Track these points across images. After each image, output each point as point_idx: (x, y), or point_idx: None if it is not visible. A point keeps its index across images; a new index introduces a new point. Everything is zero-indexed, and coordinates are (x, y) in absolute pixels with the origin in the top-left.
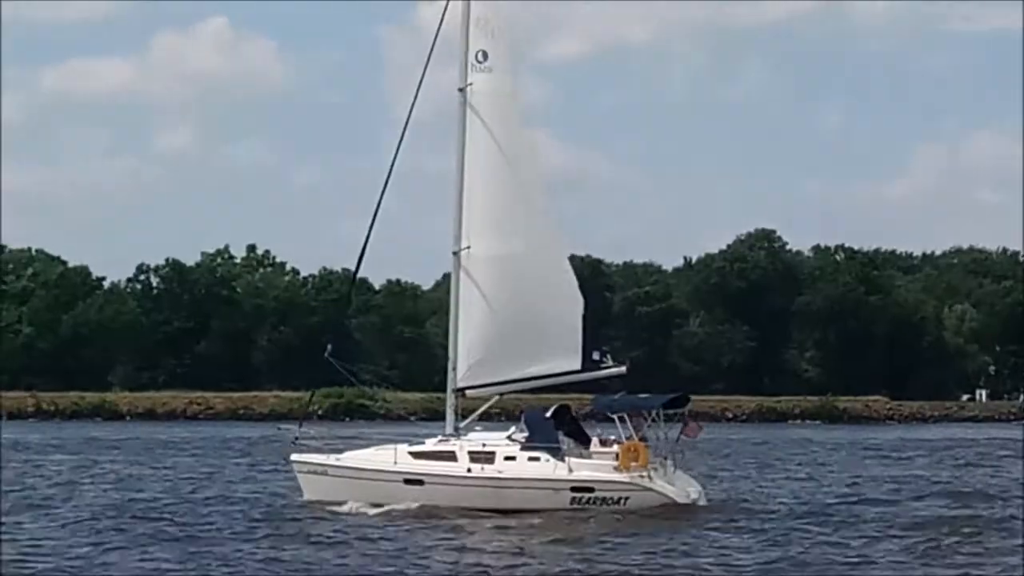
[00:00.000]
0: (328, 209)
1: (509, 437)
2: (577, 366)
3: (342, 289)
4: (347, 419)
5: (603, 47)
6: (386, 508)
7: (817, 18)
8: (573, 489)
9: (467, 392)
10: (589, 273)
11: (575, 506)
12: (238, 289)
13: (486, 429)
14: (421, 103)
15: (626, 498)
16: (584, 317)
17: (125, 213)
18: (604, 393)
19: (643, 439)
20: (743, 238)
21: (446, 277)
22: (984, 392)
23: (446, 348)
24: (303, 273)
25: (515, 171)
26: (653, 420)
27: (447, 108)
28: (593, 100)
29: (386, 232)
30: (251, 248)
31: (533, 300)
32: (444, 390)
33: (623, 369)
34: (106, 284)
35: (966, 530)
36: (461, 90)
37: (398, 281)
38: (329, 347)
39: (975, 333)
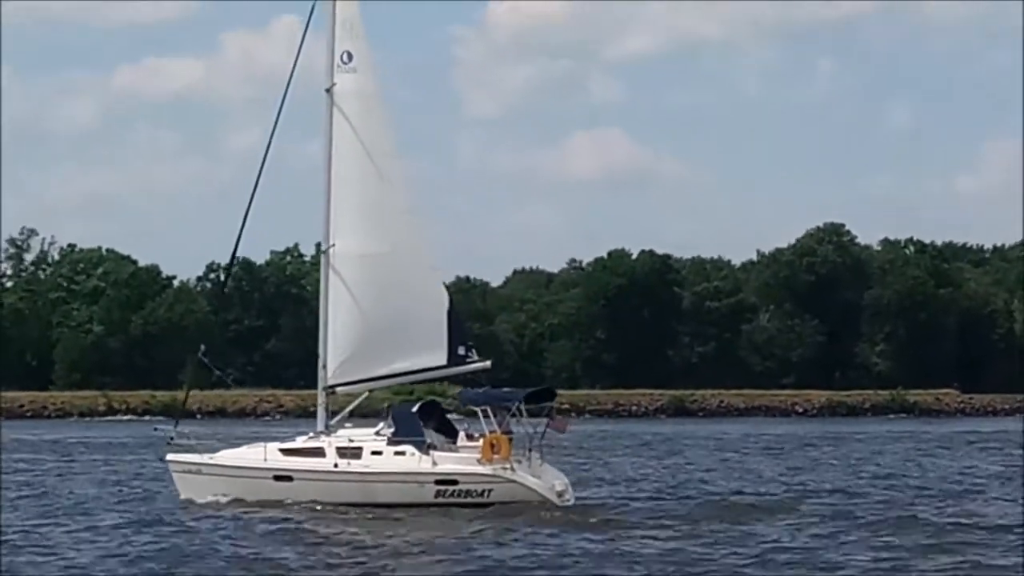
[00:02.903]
0: None
1: (377, 432)
2: (443, 361)
3: None
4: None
5: (674, 45)
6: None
7: (887, 14)
8: (437, 482)
9: (337, 389)
10: (658, 268)
11: (440, 499)
12: (307, 287)
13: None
14: None
15: (489, 490)
16: (450, 313)
17: (195, 212)
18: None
19: (507, 432)
20: (812, 232)
21: (515, 273)
22: None
23: (516, 344)
24: None
25: (380, 170)
26: (515, 414)
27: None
28: (664, 97)
29: (456, 230)
30: (321, 247)
31: (399, 298)
32: (513, 386)
33: (487, 364)
34: (176, 283)
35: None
36: (328, 90)
37: (468, 278)
38: (203, 347)
39: None
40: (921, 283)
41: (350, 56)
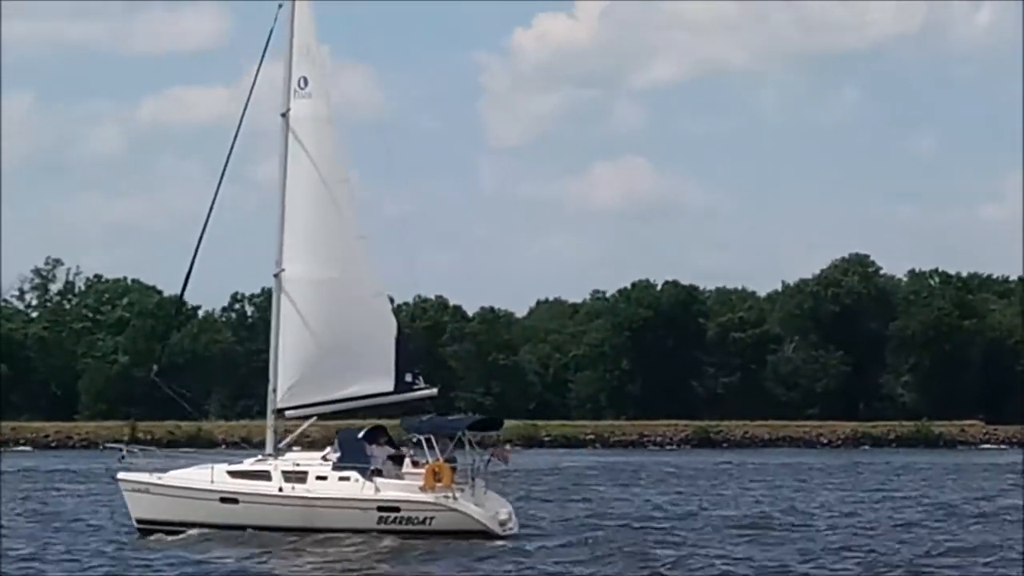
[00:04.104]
0: (420, 236)
1: (324, 457)
2: (390, 387)
3: (436, 316)
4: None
5: (698, 72)
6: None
7: (912, 42)
8: (379, 508)
9: (286, 413)
10: (682, 299)
11: (382, 525)
12: None
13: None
14: None
15: (431, 518)
16: (398, 340)
17: (220, 242)
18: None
19: (449, 460)
20: (837, 263)
21: (539, 304)
22: None
23: (540, 375)
24: (397, 301)
25: (332, 196)
26: (459, 442)
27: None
28: (688, 126)
29: (478, 260)
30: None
31: (348, 324)
32: (537, 417)
33: (434, 391)
34: (200, 313)
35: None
36: (283, 115)
37: (492, 308)
38: (155, 368)
39: None
40: (946, 314)
41: (306, 81)
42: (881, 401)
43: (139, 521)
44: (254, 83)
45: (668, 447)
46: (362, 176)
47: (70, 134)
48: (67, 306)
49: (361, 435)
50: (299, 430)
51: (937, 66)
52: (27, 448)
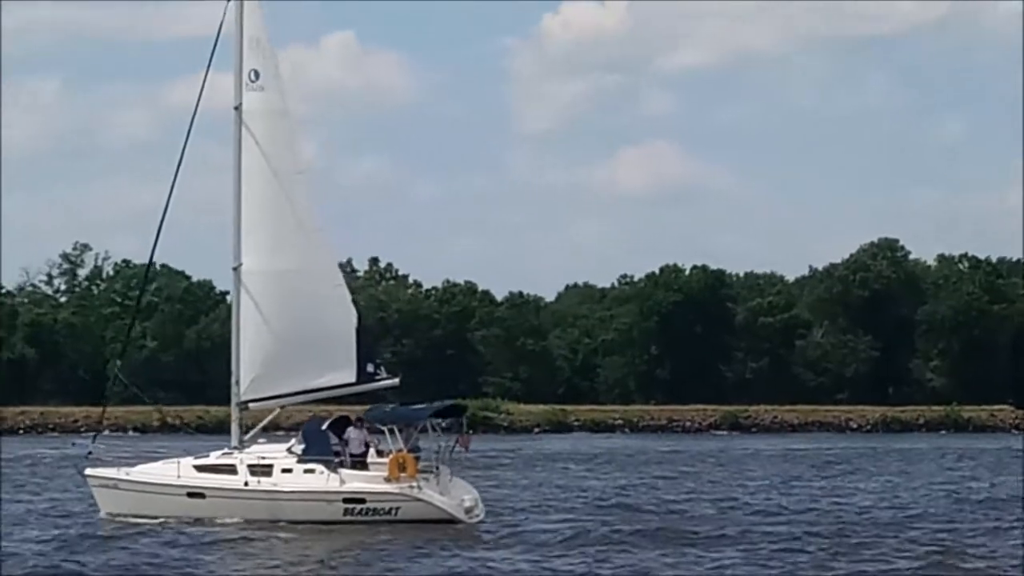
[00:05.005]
0: (449, 221)
1: (289, 449)
2: (352, 378)
3: (465, 301)
4: (471, 431)
5: (726, 58)
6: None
7: (938, 28)
8: (345, 500)
9: (250, 405)
10: (711, 284)
11: (348, 517)
12: (360, 302)
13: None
14: None
15: (396, 508)
16: (359, 331)
17: None
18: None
19: (413, 450)
20: (866, 248)
21: (567, 289)
22: None
23: (569, 360)
24: (425, 286)
25: (287, 188)
26: (424, 429)
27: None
28: (715, 111)
29: (506, 245)
30: (374, 261)
31: (308, 315)
32: (567, 402)
33: (396, 381)
34: (229, 298)
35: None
36: (236, 108)
37: (521, 293)
38: (118, 363)
39: None
40: (975, 299)
41: (257, 74)
42: (910, 386)
43: (108, 515)
44: (206, 76)
45: (697, 432)
46: (391, 162)
47: (97, 119)
48: (95, 291)
49: (325, 426)
50: (264, 421)
51: (965, 51)
52: (55, 434)
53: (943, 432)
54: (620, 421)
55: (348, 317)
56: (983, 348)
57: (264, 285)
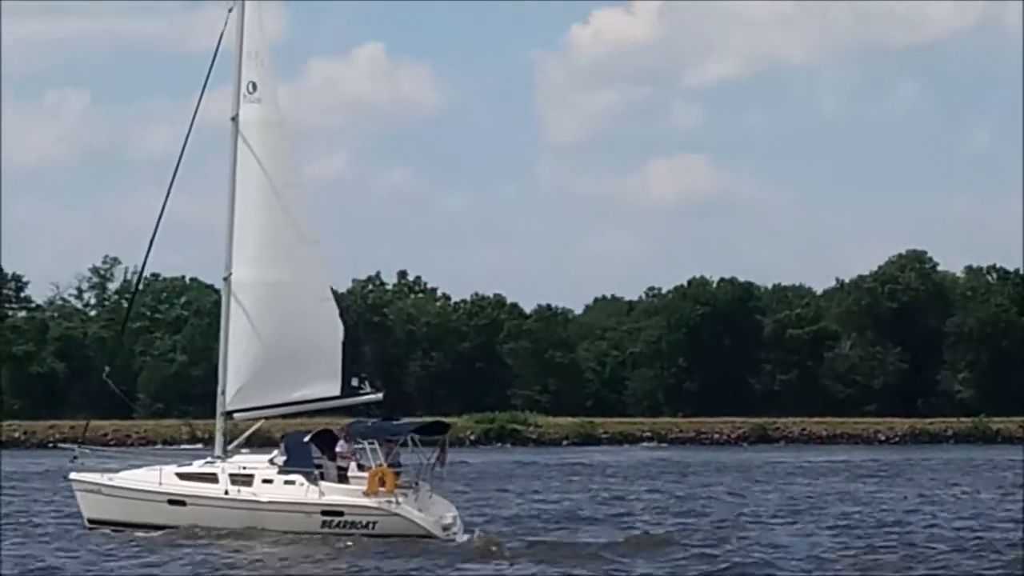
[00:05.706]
0: (478, 234)
1: (271, 460)
2: (336, 392)
3: (493, 314)
4: (499, 444)
5: (755, 69)
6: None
7: (967, 38)
8: (324, 513)
9: (235, 415)
10: (739, 296)
11: (326, 529)
12: (389, 316)
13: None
14: None
15: (374, 522)
16: (345, 344)
17: None
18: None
19: (393, 465)
20: (894, 259)
21: (595, 301)
22: None
23: (597, 372)
24: (454, 299)
25: (281, 200)
26: (404, 446)
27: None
28: (744, 122)
29: (535, 257)
30: (402, 274)
31: (295, 327)
32: (595, 415)
33: (379, 395)
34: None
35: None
36: (233, 119)
37: (549, 306)
38: (107, 369)
39: None
40: (1004, 310)
41: (255, 86)
42: (939, 398)
43: (90, 521)
44: (204, 84)
45: (725, 444)
46: (419, 173)
47: (127, 132)
48: (125, 305)
49: (307, 438)
50: (247, 433)
51: (994, 61)
52: (87, 449)
53: (971, 444)
54: (648, 433)
55: (335, 330)
56: (1012, 360)
57: (255, 296)
